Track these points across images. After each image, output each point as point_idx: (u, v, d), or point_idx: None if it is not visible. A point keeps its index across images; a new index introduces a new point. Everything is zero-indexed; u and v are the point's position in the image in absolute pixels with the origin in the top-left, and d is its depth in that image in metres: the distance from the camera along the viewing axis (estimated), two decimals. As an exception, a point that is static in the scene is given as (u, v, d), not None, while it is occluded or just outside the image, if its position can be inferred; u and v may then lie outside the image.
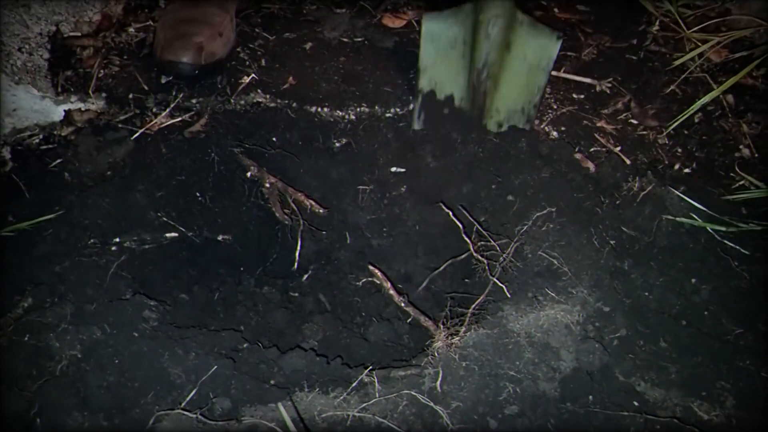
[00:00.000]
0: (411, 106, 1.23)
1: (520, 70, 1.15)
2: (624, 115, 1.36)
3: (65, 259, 1.08)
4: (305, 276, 1.17)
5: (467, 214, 1.19)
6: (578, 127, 1.34)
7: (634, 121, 1.35)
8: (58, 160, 1.24)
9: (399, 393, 0.95)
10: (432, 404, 0.93)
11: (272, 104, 1.36)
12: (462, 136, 1.25)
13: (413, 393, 0.94)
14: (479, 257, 1.10)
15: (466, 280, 1.14)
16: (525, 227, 1.15)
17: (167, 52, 1.35)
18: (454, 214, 1.14)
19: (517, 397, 0.95)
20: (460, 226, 1.14)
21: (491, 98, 1.21)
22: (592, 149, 1.30)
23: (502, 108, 1.23)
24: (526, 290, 1.08)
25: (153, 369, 0.96)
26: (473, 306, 1.05)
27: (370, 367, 0.98)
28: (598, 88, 1.42)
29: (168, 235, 1.16)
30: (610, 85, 1.42)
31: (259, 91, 1.38)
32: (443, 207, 1.16)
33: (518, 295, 1.07)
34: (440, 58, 1.08)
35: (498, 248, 1.12)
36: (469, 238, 1.13)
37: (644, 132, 1.33)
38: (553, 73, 1.44)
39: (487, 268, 1.09)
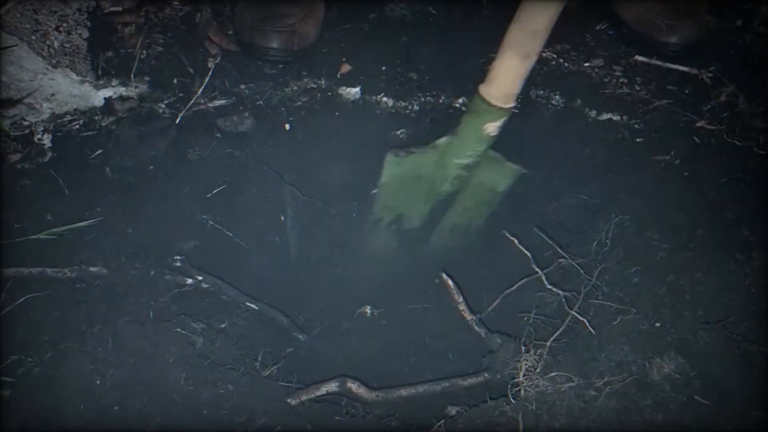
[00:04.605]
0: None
1: (477, 191, 1.11)
2: (727, 112, 1.19)
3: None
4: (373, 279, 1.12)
5: (541, 234, 1.06)
6: (671, 126, 1.18)
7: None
8: (99, 151, 1.15)
9: None
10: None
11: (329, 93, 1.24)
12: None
13: None
14: (555, 290, 0.97)
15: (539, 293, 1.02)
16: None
17: (257, 36, 1.19)
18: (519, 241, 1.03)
19: None
20: (529, 256, 1.00)
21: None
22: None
23: (448, 225, 1.17)
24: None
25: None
26: (550, 340, 0.93)
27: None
28: (697, 77, 1.24)
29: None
30: (711, 75, 1.24)
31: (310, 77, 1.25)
32: (507, 235, 1.04)
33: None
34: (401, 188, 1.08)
35: (581, 270, 0.99)
36: (539, 267, 1.00)
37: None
38: (644, 59, 1.27)
39: (565, 301, 0.96)
